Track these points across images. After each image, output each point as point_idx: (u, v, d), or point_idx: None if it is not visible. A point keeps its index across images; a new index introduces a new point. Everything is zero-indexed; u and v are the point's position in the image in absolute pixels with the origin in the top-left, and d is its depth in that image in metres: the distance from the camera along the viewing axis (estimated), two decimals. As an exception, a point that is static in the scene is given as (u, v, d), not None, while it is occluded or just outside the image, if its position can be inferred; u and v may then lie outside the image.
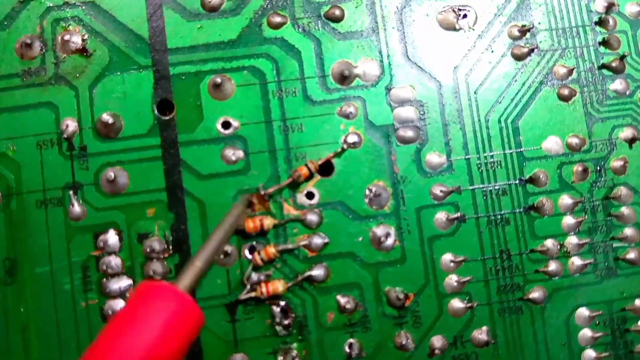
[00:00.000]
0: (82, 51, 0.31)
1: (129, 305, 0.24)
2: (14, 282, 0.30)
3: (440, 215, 0.31)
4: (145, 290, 0.25)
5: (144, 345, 0.23)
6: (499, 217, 0.31)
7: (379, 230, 0.31)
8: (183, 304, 0.24)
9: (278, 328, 0.30)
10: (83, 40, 0.31)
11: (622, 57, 0.32)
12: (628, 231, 0.32)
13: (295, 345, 0.30)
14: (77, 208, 0.30)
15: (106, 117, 0.30)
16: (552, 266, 0.31)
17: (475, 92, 0.32)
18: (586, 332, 0.32)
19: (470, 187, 0.31)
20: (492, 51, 0.32)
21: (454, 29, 0.32)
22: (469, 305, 0.31)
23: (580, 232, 0.32)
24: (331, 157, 0.31)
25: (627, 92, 0.33)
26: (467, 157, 0.31)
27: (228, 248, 0.30)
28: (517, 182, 0.32)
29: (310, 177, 0.31)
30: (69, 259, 0.30)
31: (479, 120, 0.32)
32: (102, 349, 0.23)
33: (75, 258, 0.30)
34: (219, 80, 0.31)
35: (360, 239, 0.31)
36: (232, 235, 0.29)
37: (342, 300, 0.30)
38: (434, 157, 0.31)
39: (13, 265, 0.30)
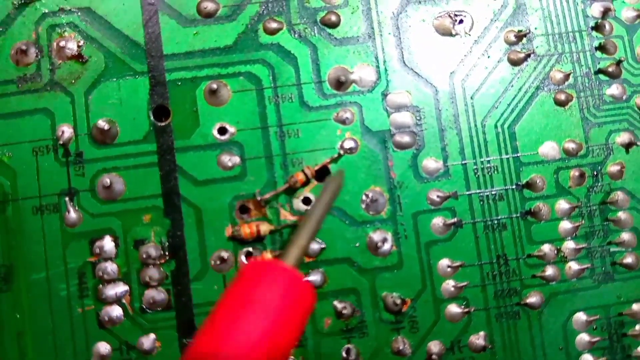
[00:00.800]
0: (78, 57, 0.31)
1: (240, 284, 0.23)
2: (9, 289, 0.30)
3: (437, 221, 0.31)
4: (254, 268, 0.23)
5: (263, 326, 0.21)
6: (495, 222, 0.31)
7: (376, 236, 0.31)
8: (294, 280, 0.23)
9: (275, 334, 0.30)
10: (79, 46, 0.31)
11: (619, 62, 0.32)
12: (625, 236, 0.32)
13: (291, 351, 0.30)
14: (73, 214, 0.30)
15: (102, 123, 0.30)
16: (549, 271, 0.31)
17: (471, 98, 0.32)
18: (583, 337, 0.32)
19: (467, 192, 0.31)
20: (489, 56, 0.32)
21: (450, 35, 0.32)
22: (466, 310, 0.31)
23: (577, 237, 0.32)
24: (328, 163, 0.31)
25: (624, 97, 0.33)
26: (463, 162, 0.31)
27: (224, 254, 0.30)
28: (513, 187, 0.32)
29: (306, 182, 0.31)
30: (65, 265, 0.30)
31: (476, 125, 0.32)
32: (220, 331, 0.21)
33: (72, 264, 0.30)
34: (215, 86, 0.30)
35: (357, 244, 0.31)
36: (331, 209, 0.28)
37: (339, 305, 0.30)
38: (430, 163, 0.31)
39: (9, 272, 0.30)
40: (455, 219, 0.31)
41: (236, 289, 0.23)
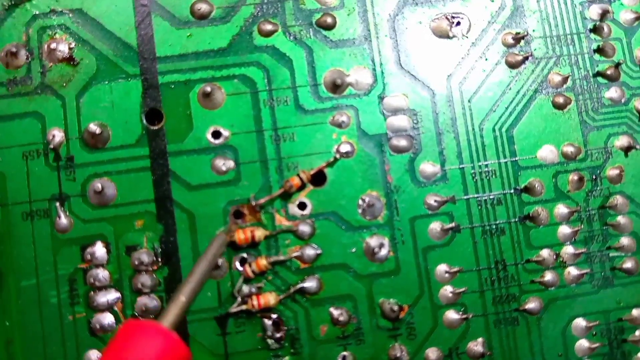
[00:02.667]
0: (69, 60, 0.30)
1: (115, 345, 0.24)
2: (-1, 296, 0.29)
3: (435, 226, 0.31)
4: (130, 329, 0.24)
5: None
6: (494, 227, 0.31)
7: (373, 241, 0.30)
8: (169, 343, 0.24)
9: (270, 341, 0.30)
10: (70, 48, 0.30)
11: (617, 65, 0.32)
12: (624, 240, 0.32)
13: (287, 358, 0.30)
14: (63, 220, 0.30)
15: (93, 127, 0.30)
16: (548, 276, 0.31)
17: (469, 101, 0.32)
18: (583, 343, 0.31)
19: (465, 197, 0.31)
20: (486, 59, 0.32)
21: (448, 37, 0.32)
22: (464, 316, 0.31)
23: (576, 242, 0.32)
24: (323, 167, 0.31)
25: (623, 100, 0.32)
26: (461, 166, 0.31)
27: (219, 260, 0.30)
28: (512, 191, 0.31)
29: (302, 187, 0.30)
30: (56, 272, 0.29)
31: (473, 129, 0.31)
32: None
33: (62, 271, 0.30)
34: (208, 89, 0.30)
35: (353, 250, 0.30)
36: (214, 266, 0.29)
37: (335, 312, 0.30)
38: (427, 167, 0.31)
39: (-2, 279, 0.29)
40: (453, 224, 0.31)
41: (111, 350, 0.24)
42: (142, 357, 0.23)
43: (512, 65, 0.32)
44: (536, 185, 0.31)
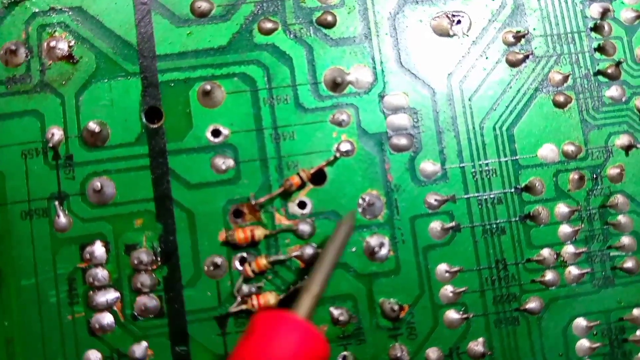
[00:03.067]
0: (69, 58, 0.30)
1: (253, 339, 0.23)
2: (-3, 295, 0.29)
3: (435, 225, 0.31)
4: (267, 321, 0.23)
5: None
6: (494, 226, 0.31)
7: (373, 240, 0.30)
8: (310, 335, 0.23)
9: (270, 341, 0.30)
10: (69, 46, 0.30)
11: (618, 64, 0.32)
12: (625, 240, 0.32)
13: (287, 358, 0.30)
14: (62, 219, 0.29)
15: (93, 126, 0.29)
16: (549, 276, 0.31)
17: (469, 99, 0.32)
18: (584, 343, 0.31)
19: (465, 196, 0.31)
20: (487, 57, 0.32)
21: (448, 35, 0.32)
22: (464, 316, 0.30)
23: (577, 241, 0.31)
24: (323, 166, 0.30)
25: (623, 99, 0.32)
26: (461, 165, 0.31)
27: (218, 259, 0.29)
28: (512, 190, 0.31)
29: (302, 186, 0.30)
30: (55, 271, 0.29)
31: (474, 127, 0.31)
32: None
33: (61, 270, 0.29)
34: (208, 87, 0.30)
35: (353, 249, 0.30)
36: (343, 254, 0.28)
37: (336, 312, 0.30)
38: (428, 165, 0.31)
39: (-3, 278, 0.29)
40: (454, 223, 0.31)
41: (249, 343, 0.23)
42: (285, 350, 0.22)
43: (512, 64, 0.32)
44: (537, 184, 0.31)
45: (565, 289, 0.31)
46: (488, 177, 0.31)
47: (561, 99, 0.32)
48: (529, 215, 0.31)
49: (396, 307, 0.30)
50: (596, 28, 0.33)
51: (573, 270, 0.31)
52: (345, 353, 0.30)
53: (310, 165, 0.30)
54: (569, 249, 0.31)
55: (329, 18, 0.31)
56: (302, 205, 0.30)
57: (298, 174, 0.30)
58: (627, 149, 0.32)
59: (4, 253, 0.29)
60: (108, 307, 0.29)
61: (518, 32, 0.32)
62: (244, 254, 0.30)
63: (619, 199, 0.32)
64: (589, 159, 0.32)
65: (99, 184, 0.29)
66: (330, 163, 0.31)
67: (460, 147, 0.31)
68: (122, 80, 0.30)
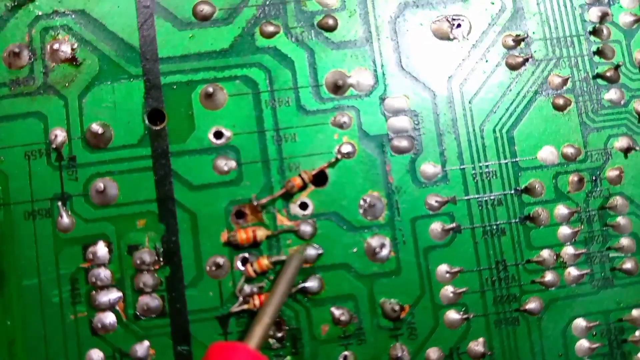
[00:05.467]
0: (72, 60, 0.30)
1: None
2: (0, 295, 0.29)
3: (436, 226, 0.31)
4: (221, 351, 0.25)
5: None
6: (494, 227, 0.31)
7: (374, 241, 0.30)
8: None
9: (271, 341, 0.30)
10: (72, 49, 0.30)
11: (617, 67, 0.32)
12: (624, 241, 0.32)
13: (288, 358, 0.30)
14: (65, 219, 0.30)
15: (96, 127, 0.30)
16: (549, 277, 0.31)
17: (469, 102, 0.32)
18: (583, 343, 0.31)
19: (466, 197, 0.31)
20: (487, 61, 0.32)
21: (448, 39, 0.32)
22: (465, 316, 0.31)
23: (576, 242, 0.32)
24: (325, 167, 0.31)
25: (622, 102, 0.33)
26: (462, 167, 0.31)
27: (220, 259, 0.30)
28: (512, 192, 0.31)
29: (303, 187, 0.30)
30: (58, 271, 0.29)
31: (474, 130, 0.31)
32: None
33: (64, 270, 0.29)
34: (210, 89, 0.30)
35: (354, 250, 0.30)
36: (293, 285, 0.29)
37: (337, 312, 0.30)
38: (428, 167, 0.31)
39: (0, 278, 0.29)
40: (454, 224, 0.31)
41: None
42: None
43: (512, 67, 0.32)
44: (536, 186, 0.31)
45: (565, 289, 0.31)
46: (488, 178, 0.31)
47: (560, 101, 0.32)
48: (528, 216, 0.31)
49: (397, 308, 0.30)
50: (595, 32, 0.33)
51: (573, 271, 0.31)
52: (346, 353, 0.30)
53: (311, 166, 0.31)
54: (568, 250, 0.31)
55: (330, 21, 0.31)
56: (303, 206, 0.30)
57: (300, 175, 0.30)
58: (626, 151, 0.32)
59: (7, 253, 0.29)
60: (110, 307, 0.29)
61: (518, 35, 0.32)
62: (246, 255, 0.30)
63: (618, 200, 0.32)
64: (588, 161, 0.32)
65: (101, 185, 0.29)
66: (331, 165, 0.31)
67: (461, 149, 0.31)
68: (125, 82, 0.31)
